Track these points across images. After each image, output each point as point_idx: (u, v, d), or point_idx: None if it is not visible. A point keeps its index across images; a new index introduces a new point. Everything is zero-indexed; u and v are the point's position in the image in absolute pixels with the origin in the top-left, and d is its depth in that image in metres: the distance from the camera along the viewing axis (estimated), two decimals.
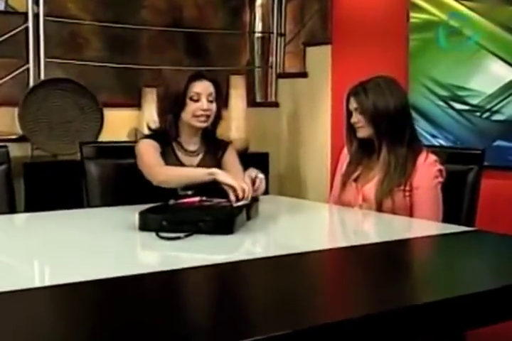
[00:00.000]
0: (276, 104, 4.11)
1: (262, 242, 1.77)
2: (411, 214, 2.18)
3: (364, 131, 2.26)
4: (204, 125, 2.37)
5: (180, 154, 2.41)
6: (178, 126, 2.39)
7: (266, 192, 3.60)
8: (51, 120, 3.38)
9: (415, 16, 3.25)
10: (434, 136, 3.20)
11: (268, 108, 4.09)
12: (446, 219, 2.14)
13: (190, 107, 2.34)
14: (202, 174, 2.16)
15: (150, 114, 3.55)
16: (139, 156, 2.32)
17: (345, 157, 2.41)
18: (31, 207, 3.10)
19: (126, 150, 2.46)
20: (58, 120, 3.40)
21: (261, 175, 2.18)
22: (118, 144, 2.69)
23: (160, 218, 1.73)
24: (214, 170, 2.14)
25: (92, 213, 2.21)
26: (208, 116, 2.36)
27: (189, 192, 2.05)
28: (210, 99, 2.38)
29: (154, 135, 2.41)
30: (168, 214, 1.78)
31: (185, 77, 2.40)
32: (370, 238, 1.82)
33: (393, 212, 2.17)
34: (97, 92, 3.48)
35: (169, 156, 2.38)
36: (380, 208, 2.19)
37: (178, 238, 1.65)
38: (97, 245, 1.66)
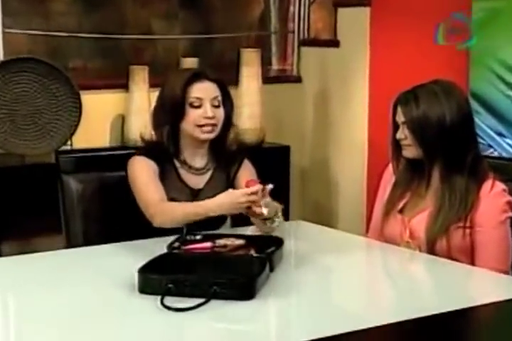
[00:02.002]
0: (298, 79, 4.15)
1: (287, 317, 1.83)
2: (472, 258, 2.26)
3: (411, 151, 2.32)
4: (210, 136, 2.44)
5: (183, 173, 2.48)
6: (178, 138, 2.46)
7: (287, 195, 3.76)
8: (14, 111, 3.43)
9: None
10: (501, 135, 3.24)
11: (287, 84, 4.13)
12: None
13: (192, 115, 2.40)
14: (205, 214, 2.22)
15: (140, 98, 3.62)
16: (132, 182, 2.40)
17: (390, 176, 2.48)
18: None
19: (113, 161, 2.55)
20: (23, 110, 3.45)
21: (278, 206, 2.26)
22: (104, 153, 2.79)
23: (165, 280, 1.82)
24: (218, 211, 2.21)
25: (74, 259, 2.26)
26: (214, 125, 2.42)
27: (198, 237, 2.14)
28: (216, 103, 2.44)
29: (150, 149, 2.47)
30: (175, 273, 1.86)
31: (181, 77, 2.44)
32: (426, 306, 1.86)
33: (449, 253, 2.25)
34: (71, 72, 3.52)
35: (170, 176, 2.46)
36: (432, 248, 2.27)
37: (189, 309, 1.74)
38: (79, 318, 1.73)
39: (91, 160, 2.72)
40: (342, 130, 3.91)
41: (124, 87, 3.68)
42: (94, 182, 2.60)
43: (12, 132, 3.41)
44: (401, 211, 2.37)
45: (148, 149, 2.48)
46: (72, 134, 3.45)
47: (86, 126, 3.49)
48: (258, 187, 2.17)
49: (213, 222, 2.43)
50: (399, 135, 2.33)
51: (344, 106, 3.90)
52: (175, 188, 2.44)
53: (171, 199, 2.39)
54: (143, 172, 2.39)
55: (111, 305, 1.84)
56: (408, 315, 1.72)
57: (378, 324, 1.67)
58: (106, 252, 2.29)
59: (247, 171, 2.50)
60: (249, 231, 2.44)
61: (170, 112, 2.41)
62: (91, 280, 2.03)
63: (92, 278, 2.05)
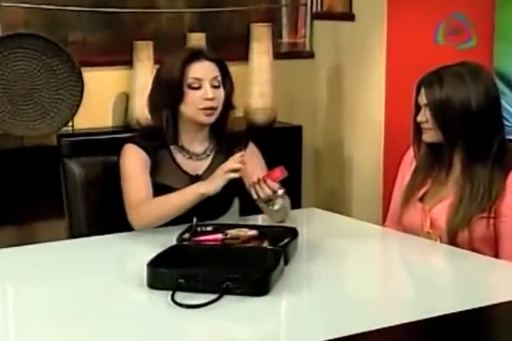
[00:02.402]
0: (310, 55, 4.15)
1: (302, 315, 1.84)
2: (496, 249, 2.27)
3: (431, 135, 2.33)
4: (211, 119, 2.44)
5: (180, 158, 2.49)
6: (177, 123, 2.46)
7: (299, 178, 3.78)
8: (12, 90, 3.44)
9: None
10: None
11: (299, 60, 4.12)
12: None
13: (191, 97, 2.40)
14: (191, 198, 2.28)
15: (144, 76, 3.61)
16: (121, 173, 2.43)
17: (410, 162, 2.49)
18: None
19: (117, 144, 2.54)
20: (22, 89, 3.46)
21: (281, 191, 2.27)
22: (107, 136, 2.79)
23: (175, 274, 1.84)
24: (202, 188, 2.26)
25: (77, 250, 2.29)
26: (214, 108, 2.42)
27: (209, 228, 2.15)
28: (216, 84, 2.44)
29: (145, 136, 2.48)
30: (186, 268, 1.89)
31: (178, 57, 2.44)
32: (446, 302, 1.88)
33: (471, 244, 2.26)
34: (71, 46, 3.54)
35: (166, 163, 2.47)
36: (453, 239, 2.28)
37: (201, 306, 1.76)
38: (84, 314, 1.75)
39: (94, 144, 2.72)
40: (357, 109, 3.91)
41: (128, 63, 3.69)
42: (98, 166, 2.61)
43: (10, 112, 3.42)
44: (421, 199, 2.38)
45: (142, 136, 2.49)
46: (73, 114, 3.47)
47: (87, 106, 3.51)
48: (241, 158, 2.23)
49: (218, 206, 2.46)
50: (420, 118, 2.34)
51: (359, 83, 3.90)
52: (172, 175, 2.45)
53: (168, 187, 2.39)
54: (131, 166, 2.42)
55: (118, 301, 1.86)
56: (427, 313, 1.73)
57: (393, 323, 1.68)
58: (111, 243, 2.32)
59: (253, 156, 2.49)
60: (260, 220, 2.47)
61: (167, 95, 2.42)
62: (96, 274, 2.05)
63: (97, 272, 2.07)
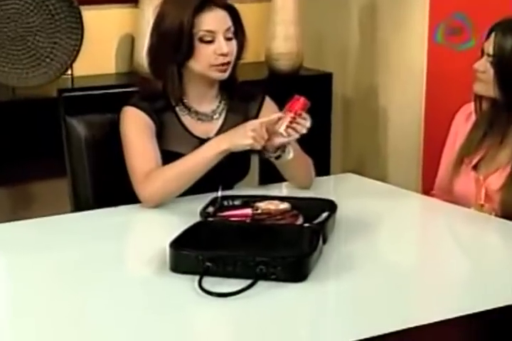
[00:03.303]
0: None
1: (346, 304, 1.84)
2: None
3: (483, 88, 2.34)
4: (225, 75, 2.42)
5: (188, 121, 2.47)
6: (182, 80, 2.44)
7: (327, 131, 3.76)
8: (2, 32, 3.40)
9: None
10: None
11: None
12: None
13: (203, 53, 2.37)
14: (211, 157, 2.28)
15: (152, 14, 3.54)
16: (122, 141, 2.41)
17: (465, 118, 2.49)
18: None
19: (129, 97, 2.52)
20: (13, 32, 3.42)
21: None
22: (118, 90, 2.76)
23: (202, 256, 1.85)
24: (223, 144, 2.26)
25: (82, 224, 2.29)
26: (228, 63, 2.40)
27: (236, 203, 2.16)
28: (229, 35, 2.41)
29: (146, 96, 2.45)
30: (215, 250, 1.90)
31: (185, 5, 2.37)
32: (502, 290, 1.87)
33: None
34: None
35: (172, 126, 2.45)
36: (508, 214, 2.28)
37: (233, 294, 1.77)
38: (99, 301, 1.77)
39: (101, 99, 2.69)
40: (395, 54, 3.85)
41: (133, 0, 3.65)
42: (105, 125, 2.59)
43: (0, 59, 3.41)
44: (475, 167, 2.39)
45: (143, 97, 2.46)
46: (72, 61, 3.43)
47: (88, 50, 3.46)
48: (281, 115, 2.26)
49: (233, 170, 2.47)
50: (478, 65, 2.34)
51: (398, 25, 3.84)
52: (179, 140, 2.44)
53: (177, 154, 2.38)
54: (132, 132, 2.40)
55: (136, 287, 1.87)
56: (486, 304, 1.74)
57: (443, 317, 1.68)
58: (125, 216, 2.33)
59: (270, 112, 2.45)
60: (284, 187, 2.50)
61: (174, 49, 2.38)
62: (110, 255, 2.06)
63: (111, 253, 2.08)
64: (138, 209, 2.34)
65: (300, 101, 2.28)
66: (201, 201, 2.23)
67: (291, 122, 2.26)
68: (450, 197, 2.44)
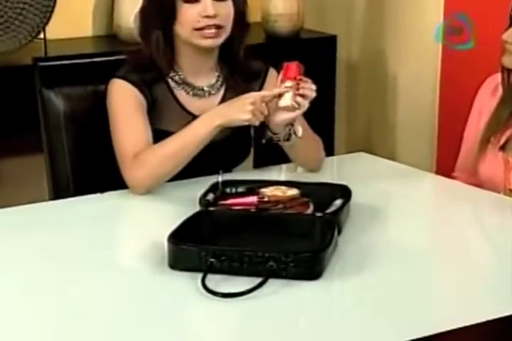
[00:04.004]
0: None
1: (366, 303, 1.82)
2: None
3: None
4: (216, 42, 2.38)
5: (183, 97, 2.45)
6: (174, 49, 2.42)
7: (332, 101, 3.74)
8: None
9: None
10: None
11: None
12: None
13: (186, 14, 2.34)
14: (203, 134, 2.24)
15: None
16: (110, 117, 2.39)
17: (491, 92, 2.47)
18: None
19: (113, 67, 2.48)
20: None
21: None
22: (101, 58, 2.72)
23: (205, 252, 1.82)
24: (217, 119, 2.23)
25: (67, 214, 2.25)
26: (219, 27, 2.35)
27: (239, 190, 2.14)
28: None
29: (135, 68, 2.41)
30: (218, 244, 1.88)
31: None
32: None
33: None
34: None
35: (165, 102, 2.42)
36: None
37: (240, 294, 1.74)
38: (90, 300, 1.75)
39: (82, 69, 2.67)
40: (405, 15, 3.83)
41: None
42: (87, 98, 2.58)
43: None
44: (503, 148, 2.38)
45: (132, 67, 2.43)
46: (45, 24, 3.40)
47: (62, 12, 3.44)
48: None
49: (234, 152, 2.47)
50: (506, 35, 2.34)
51: None
52: (173, 118, 2.42)
53: (169, 133, 2.35)
54: (121, 108, 2.37)
55: (131, 288, 1.84)
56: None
57: (474, 322, 1.66)
58: (112, 204, 2.30)
59: (274, 86, 2.38)
60: (285, 170, 2.49)
61: (158, 12, 2.36)
62: (99, 252, 2.03)
63: (99, 249, 2.05)
64: (127, 195, 2.31)
65: (294, 67, 2.25)
66: (198, 186, 2.20)
67: (296, 90, 2.23)
68: (475, 180, 2.43)
